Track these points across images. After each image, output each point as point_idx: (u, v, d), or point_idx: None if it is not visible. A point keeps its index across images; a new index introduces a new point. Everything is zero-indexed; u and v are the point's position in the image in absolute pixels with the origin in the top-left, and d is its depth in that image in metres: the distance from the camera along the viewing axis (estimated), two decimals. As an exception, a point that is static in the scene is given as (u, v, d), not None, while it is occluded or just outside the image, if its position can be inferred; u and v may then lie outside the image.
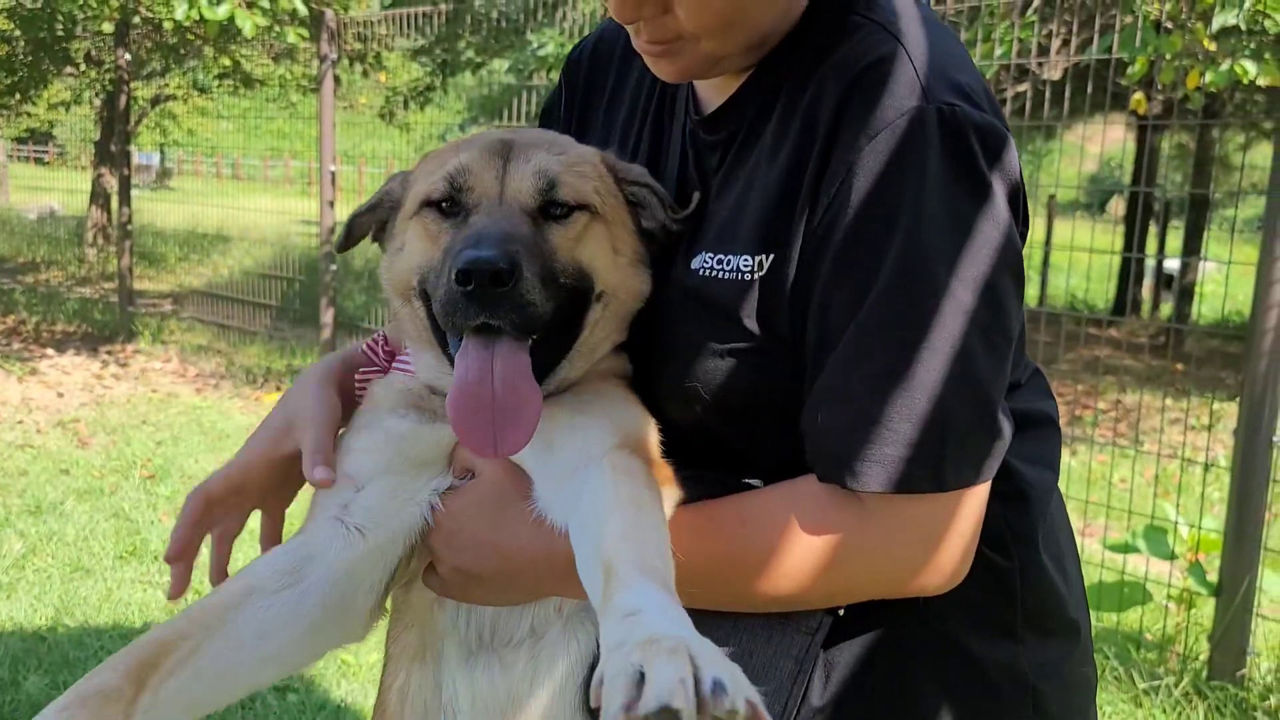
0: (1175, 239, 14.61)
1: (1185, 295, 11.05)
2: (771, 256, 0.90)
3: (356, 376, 1.07)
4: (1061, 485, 3.38)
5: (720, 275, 0.92)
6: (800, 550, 0.86)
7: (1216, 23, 4.01)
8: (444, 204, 0.99)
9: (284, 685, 3.09)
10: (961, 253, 0.82)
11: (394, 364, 1.06)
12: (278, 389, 6.78)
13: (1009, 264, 0.84)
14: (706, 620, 0.86)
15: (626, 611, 0.70)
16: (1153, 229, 14.00)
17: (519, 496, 0.93)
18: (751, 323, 0.90)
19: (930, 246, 0.82)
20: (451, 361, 0.93)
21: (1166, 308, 13.13)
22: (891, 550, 0.87)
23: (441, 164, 0.99)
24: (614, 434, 0.92)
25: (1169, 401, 7.80)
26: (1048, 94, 4.67)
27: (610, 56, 1.15)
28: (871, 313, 0.83)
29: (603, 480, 0.85)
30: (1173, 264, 13.02)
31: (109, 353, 7.65)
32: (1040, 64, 5.46)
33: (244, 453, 1.04)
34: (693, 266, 0.95)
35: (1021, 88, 7.12)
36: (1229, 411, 7.02)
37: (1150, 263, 13.47)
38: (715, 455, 0.95)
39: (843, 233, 0.84)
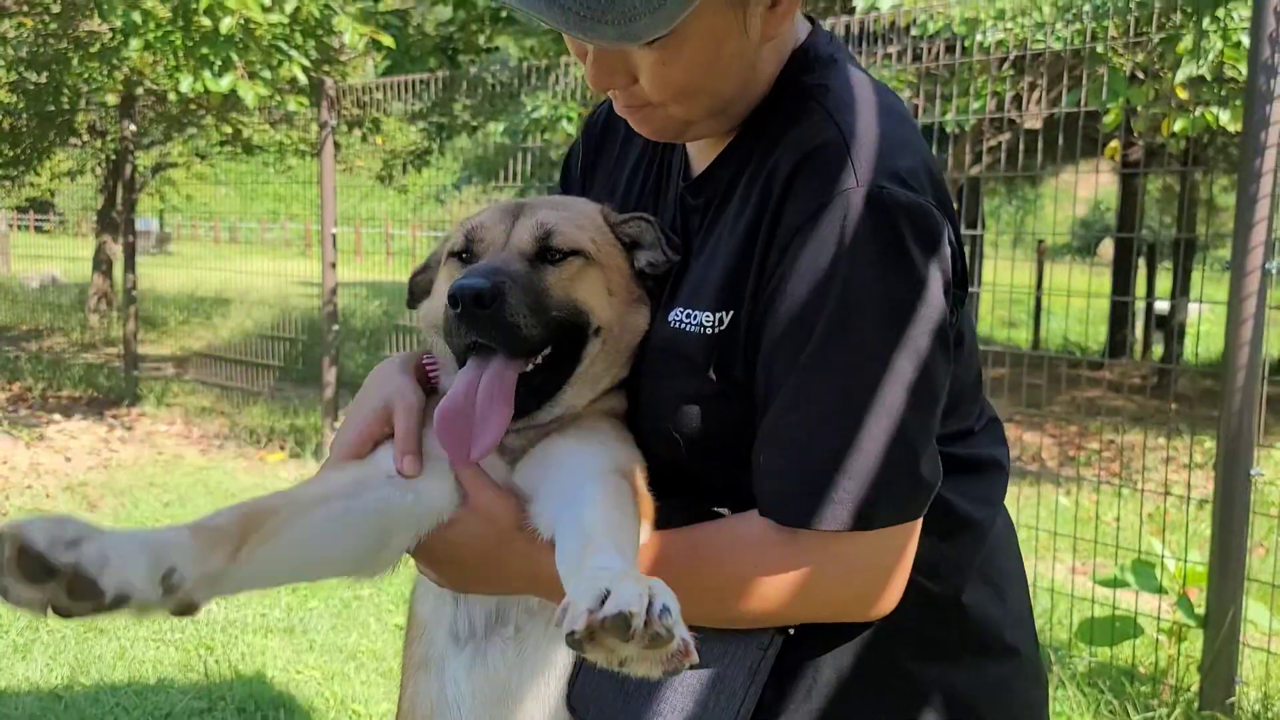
0: (1166, 280, 14.78)
1: (1176, 336, 11.18)
2: (730, 314, 1.01)
3: (425, 364, 1.17)
4: (1053, 525, 3.43)
5: (688, 329, 1.04)
6: (740, 578, 0.97)
7: (1182, 73, 4.18)
8: (463, 254, 1.13)
9: (297, 737, 3.16)
10: (885, 316, 0.93)
11: None
12: (281, 448, 6.88)
13: (930, 324, 0.94)
14: None
15: (599, 566, 0.81)
16: (1144, 271, 14.18)
17: (510, 520, 1.03)
18: (713, 373, 1.01)
19: (857, 311, 0.93)
20: None
21: (1160, 349, 13.26)
22: (820, 582, 0.96)
23: (468, 224, 1.15)
24: (609, 461, 1.03)
25: (1161, 440, 7.88)
26: (1022, 143, 4.82)
27: (621, 120, 1.27)
28: (805, 370, 0.94)
29: (593, 490, 0.96)
30: (1165, 305, 13.18)
31: (115, 416, 7.75)
32: (1019, 115, 5.64)
33: (351, 429, 1.11)
34: (669, 320, 1.06)
35: (1004, 137, 7.33)
36: (1220, 448, 7.11)
37: (1141, 304, 13.63)
38: (693, 488, 1.05)
39: (785, 298, 0.96)
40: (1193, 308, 11.50)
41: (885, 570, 0.96)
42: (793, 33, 1.08)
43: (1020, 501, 5.45)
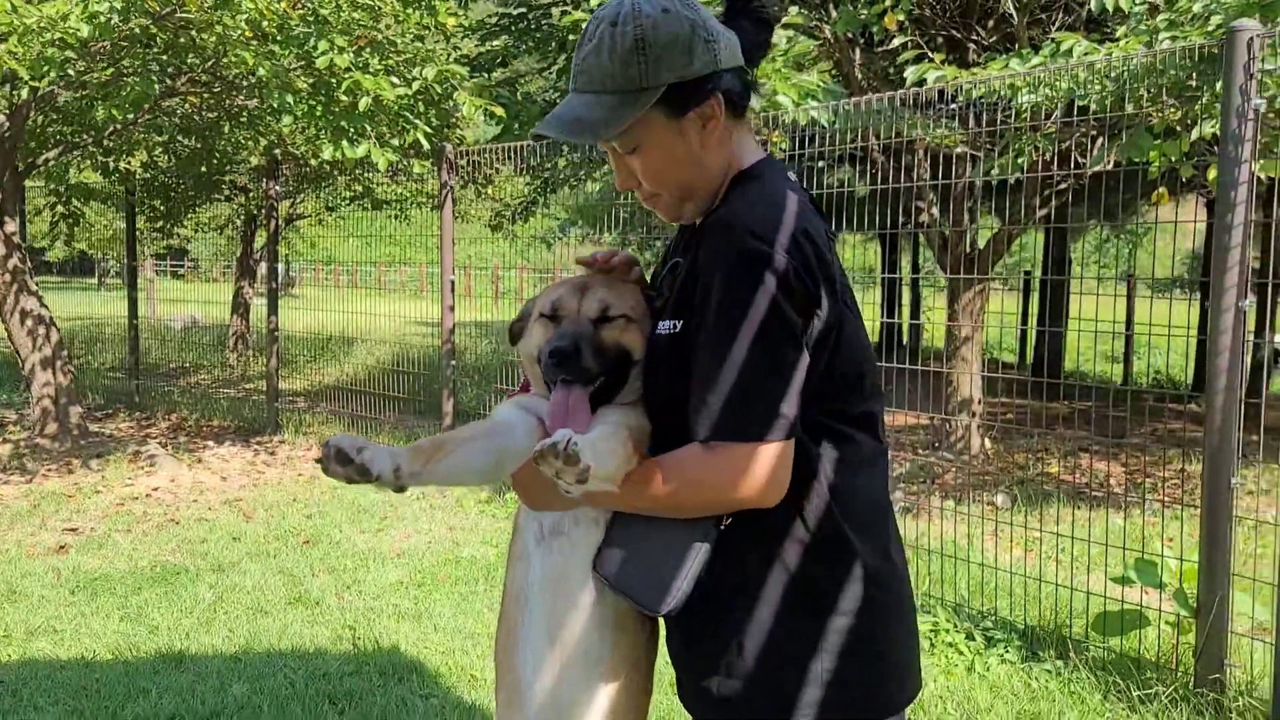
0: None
1: (1264, 370, 11.22)
2: (680, 322, 1.60)
3: (508, 393, 1.86)
4: (1107, 539, 3.92)
5: (662, 332, 1.64)
6: (683, 478, 1.55)
7: (1195, 133, 4.66)
8: (550, 316, 1.77)
9: (426, 693, 3.88)
10: (746, 317, 1.48)
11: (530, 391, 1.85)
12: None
13: (778, 324, 1.48)
14: (646, 524, 1.61)
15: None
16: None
17: None
18: (675, 359, 1.60)
19: (729, 315, 1.49)
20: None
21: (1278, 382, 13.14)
22: (721, 474, 1.51)
23: (551, 296, 1.78)
24: (619, 419, 1.65)
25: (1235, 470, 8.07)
26: (1104, 186, 5.31)
27: None
28: (703, 354, 1.52)
29: (597, 429, 1.58)
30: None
31: (259, 443, 8.74)
32: (1065, 172, 6.13)
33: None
34: (657, 329, 1.67)
35: (1067, 184, 7.79)
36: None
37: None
38: (678, 438, 1.60)
39: (699, 311, 1.54)
40: (1281, 341, 11.53)
41: (770, 471, 1.51)
42: (739, 153, 1.68)
43: (1075, 521, 5.88)
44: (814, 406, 1.57)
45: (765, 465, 1.51)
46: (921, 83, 5.35)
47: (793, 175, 1.74)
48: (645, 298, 1.79)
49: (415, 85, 6.96)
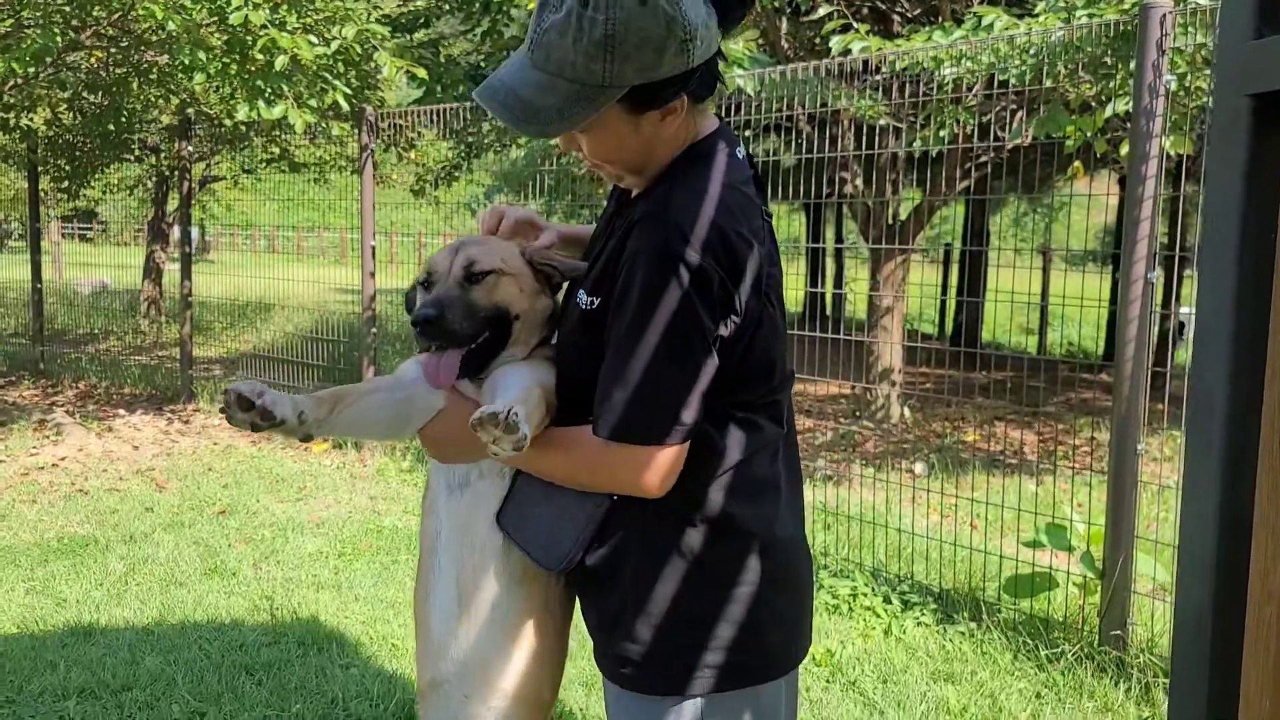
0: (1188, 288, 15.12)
1: (1171, 341, 11.63)
2: (599, 299, 1.58)
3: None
4: (1020, 505, 4.04)
5: (582, 305, 1.62)
6: (577, 463, 1.57)
7: (1109, 109, 4.77)
8: (425, 284, 1.75)
9: (346, 663, 3.83)
10: (660, 319, 1.46)
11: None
12: (324, 439, 7.57)
13: (690, 327, 1.46)
14: (547, 485, 1.62)
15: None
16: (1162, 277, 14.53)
17: (467, 412, 1.55)
18: (589, 334, 1.59)
19: (645, 314, 1.47)
20: None
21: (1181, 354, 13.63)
22: (616, 469, 1.53)
23: (429, 263, 1.75)
24: (531, 378, 1.64)
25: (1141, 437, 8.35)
26: (1025, 159, 5.41)
27: None
28: (616, 347, 1.51)
29: (514, 389, 1.59)
30: (1185, 311, 13.47)
31: (173, 412, 8.51)
32: (986, 144, 6.23)
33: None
34: (574, 298, 1.66)
35: (989, 156, 7.93)
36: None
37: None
38: (585, 408, 1.59)
39: (617, 299, 1.52)
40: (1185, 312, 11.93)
41: (663, 471, 1.51)
42: (694, 129, 1.62)
43: (990, 487, 6.04)
44: (722, 396, 1.55)
45: (659, 467, 1.52)
46: (846, 53, 5.38)
47: (742, 152, 1.67)
48: (523, 256, 1.76)
49: (334, 45, 6.77)
